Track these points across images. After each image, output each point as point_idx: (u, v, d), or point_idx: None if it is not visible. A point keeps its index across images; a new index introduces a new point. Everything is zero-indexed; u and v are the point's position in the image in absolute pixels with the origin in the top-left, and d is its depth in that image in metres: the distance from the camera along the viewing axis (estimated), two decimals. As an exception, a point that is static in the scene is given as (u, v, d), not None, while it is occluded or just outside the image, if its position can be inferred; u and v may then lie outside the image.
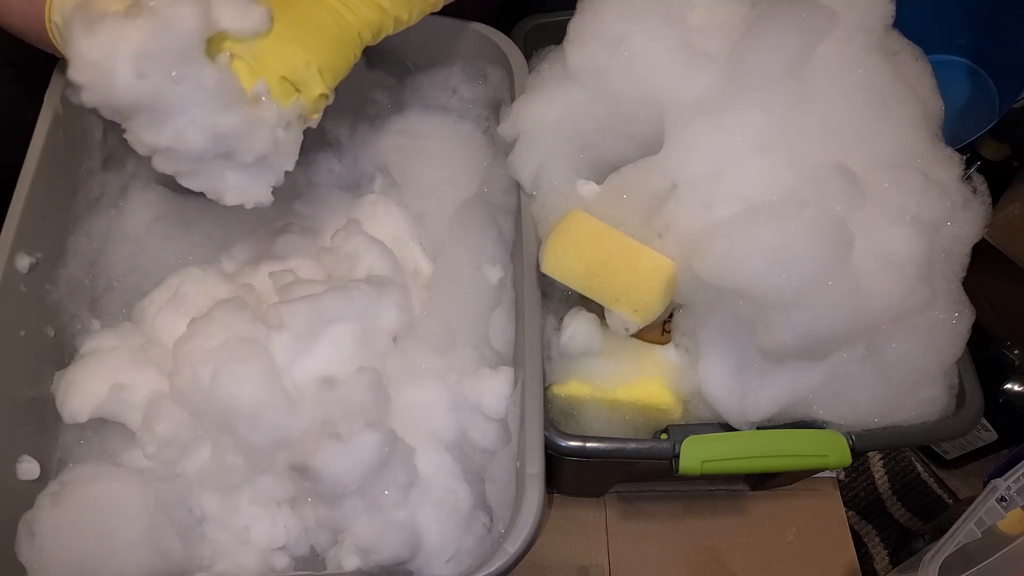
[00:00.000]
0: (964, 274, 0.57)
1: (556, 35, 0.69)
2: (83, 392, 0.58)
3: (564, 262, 0.57)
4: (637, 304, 0.57)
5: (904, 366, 0.55)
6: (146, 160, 0.72)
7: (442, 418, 0.60)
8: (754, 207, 0.51)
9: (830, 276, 0.48)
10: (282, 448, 0.56)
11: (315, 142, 0.78)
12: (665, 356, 0.60)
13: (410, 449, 0.57)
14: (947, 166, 0.57)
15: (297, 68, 0.52)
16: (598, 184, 0.65)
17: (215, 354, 0.55)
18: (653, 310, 0.57)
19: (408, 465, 0.56)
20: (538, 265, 0.59)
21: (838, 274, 0.48)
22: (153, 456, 0.56)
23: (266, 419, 0.54)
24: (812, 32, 0.52)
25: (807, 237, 0.48)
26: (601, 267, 0.56)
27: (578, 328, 0.60)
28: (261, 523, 0.57)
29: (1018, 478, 0.59)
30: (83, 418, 0.58)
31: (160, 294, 0.64)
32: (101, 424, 0.60)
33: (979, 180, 0.58)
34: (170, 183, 0.73)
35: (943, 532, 0.61)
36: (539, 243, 0.61)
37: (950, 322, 0.56)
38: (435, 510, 0.56)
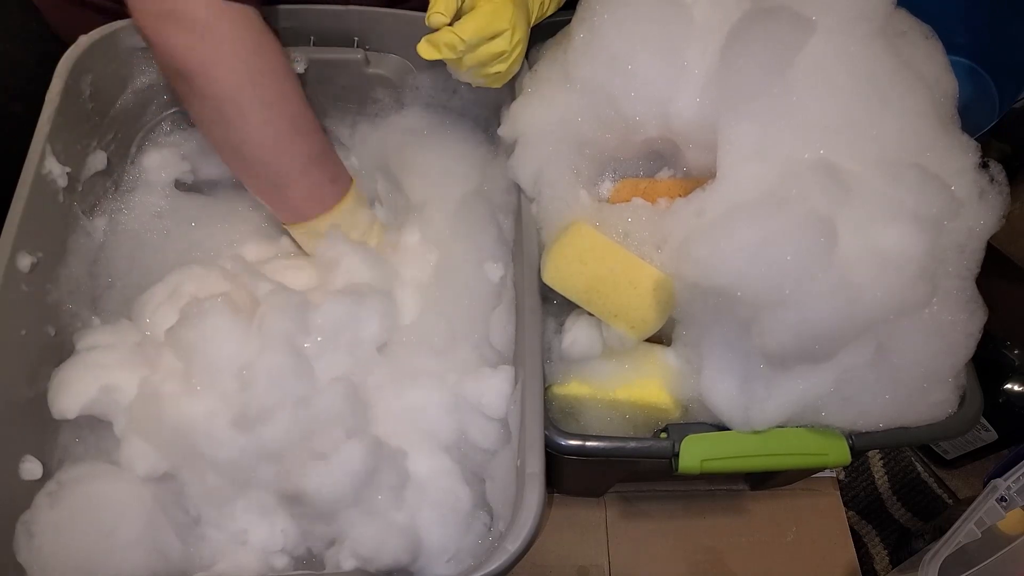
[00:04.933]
0: (978, 270, 0.56)
1: (553, 35, 0.69)
2: (73, 390, 0.58)
3: (566, 275, 0.57)
4: (635, 321, 0.57)
5: (914, 369, 0.55)
6: (148, 159, 0.73)
7: (440, 419, 0.60)
8: (735, 206, 0.52)
9: (814, 271, 0.48)
10: (262, 461, 0.55)
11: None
12: (666, 358, 0.60)
13: (399, 452, 0.57)
14: (961, 154, 0.56)
15: None
16: (599, 185, 0.66)
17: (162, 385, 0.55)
18: (650, 328, 0.57)
19: (398, 467, 0.56)
20: (539, 272, 0.59)
21: (822, 269, 0.48)
22: (137, 479, 0.56)
23: (222, 433, 0.54)
24: (786, 43, 0.53)
25: (786, 232, 0.48)
26: (602, 282, 0.57)
27: (579, 334, 0.60)
28: (258, 527, 0.57)
29: (1018, 478, 0.59)
30: (71, 415, 0.58)
31: (161, 290, 0.64)
32: (97, 422, 0.60)
33: (997, 169, 0.56)
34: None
35: (943, 532, 0.61)
36: (540, 244, 0.61)
37: (961, 322, 0.55)
38: (434, 511, 0.56)
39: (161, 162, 0.72)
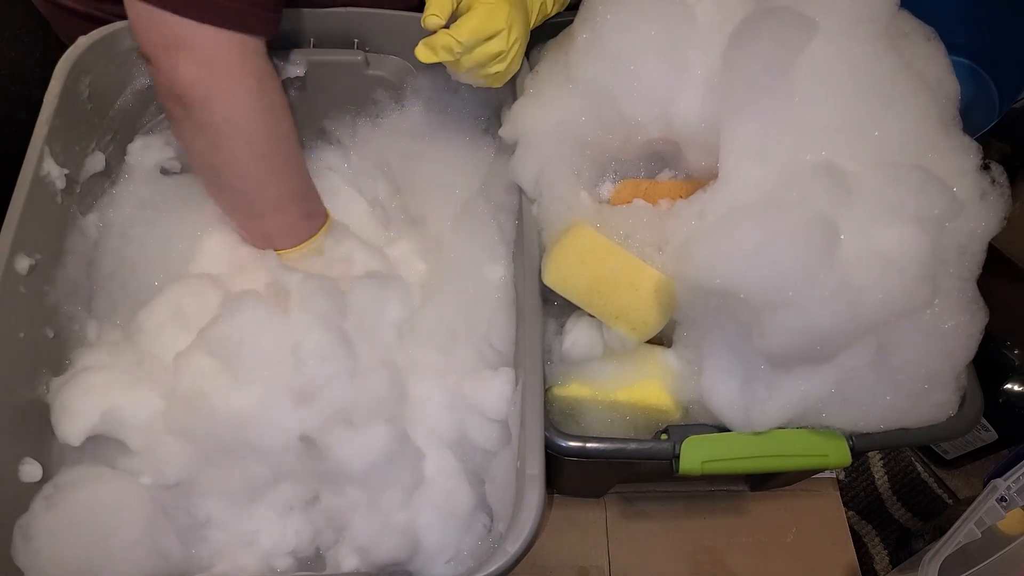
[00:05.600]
0: (980, 272, 0.56)
1: (555, 36, 0.69)
2: (76, 417, 0.58)
3: (567, 276, 0.57)
4: (636, 323, 0.57)
5: (915, 370, 0.55)
6: (148, 161, 0.72)
7: (442, 417, 0.60)
8: (736, 208, 0.52)
9: (815, 273, 0.48)
10: (306, 444, 0.56)
11: (316, 140, 0.78)
12: (666, 360, 0.60)
13: (419, 452, 0.58)
14: (962, 156, 0.56)
15: None
16: (600, 186, 0.66)
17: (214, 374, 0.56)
18: (651, 329, 0.57)
19: (415, 468, 0.57)
20: (540, 273, 0.59)
21: (823, 270, 0.48)
22: (151, 484, 0.57)
23: (278, 416, 0.55)
24: (789, 44, 0.53)
25: (788, 234, 0.48)
26: (603, 284, 0.57)
27: (580, 335, 0.60)
28: (271, 527, 0.57)
29: (1018, 478, 0.59)
30: (76, 442, 0.57)
31: (159, 308, 0.63)
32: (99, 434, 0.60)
33: (998, 171, 0.56)
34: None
35: (943, 532, 0.61)
36: (541, 245, 0.61)
37: (963, 323, 0.55)
38: (435, 513, 0.56)
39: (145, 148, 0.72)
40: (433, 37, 0.57)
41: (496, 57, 0.59)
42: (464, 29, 0.56)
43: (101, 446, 0.59)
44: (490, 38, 0.58)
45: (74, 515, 0.54)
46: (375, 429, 0.55)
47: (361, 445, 0.54)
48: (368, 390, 0.57)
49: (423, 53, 0.58)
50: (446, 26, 0.57)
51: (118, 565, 0.53)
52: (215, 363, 0.57)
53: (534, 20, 0.65)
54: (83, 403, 0.58)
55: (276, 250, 0.66)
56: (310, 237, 0.66)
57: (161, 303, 0.63)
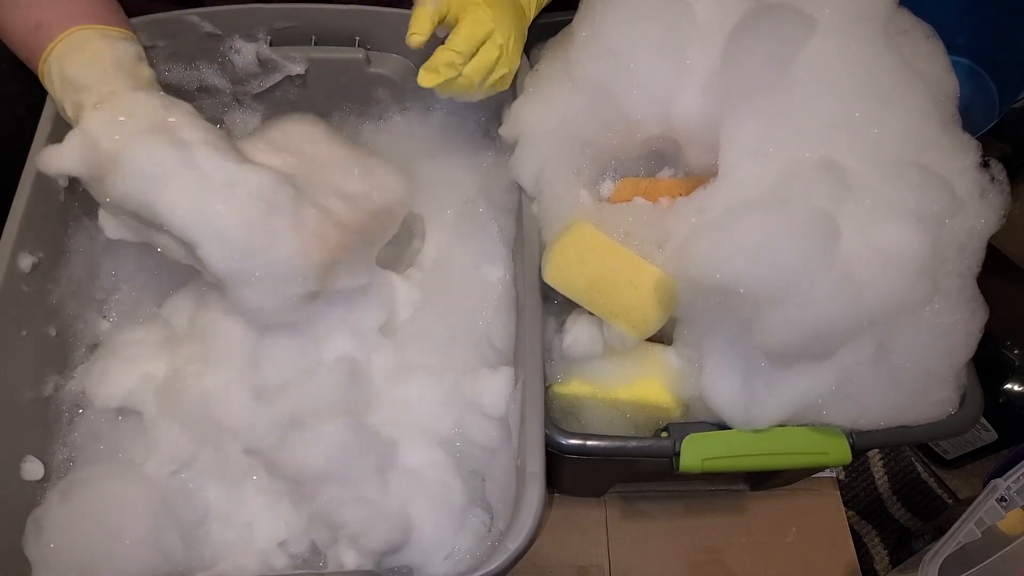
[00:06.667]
0: (979, 269, 0.56)
1: (555, 34, 0.69)
2: (115, 381, 0.60)
3: (567, 274, 0.58)
4: (635, 321, 0.57)
5: (915, 368, 0.55)
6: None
7: (437, 414, 0.60)
8: (736, 206, 0.52)
9: (816, 269, 0.48)
10: (270, 432, 0.57)
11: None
12: (667, 358, 0.60)
13: (387, 438, 0.58)
14: (962, 154, 0.56)
15: None
16: (600, 184, 0.66)
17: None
18: (650, 328, 0.57)
19: (382, 452, 0.57)
20: (540, 271, 0.59)
21: (824, 267, 0.48)
22: (155, 471, 0.58)
23: (238, 402, 0.57)
24: (788, 41, 0.53)
25: (788, 232, 0.48)
26: (603, 282, 0.57)
27: (580, 333, 0.60)
28: (263, 518, 0.58)
29: (1018, 478, 0.59)
30: (115, 403, 0.60)
31: (189, 295, 0.65)
32: (115, 421, 0.61)
33: (998, 168, 0.56)
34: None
35: (943, 532, 0.62)
36: (541, 244, 0.61)
37: (962, 321, 0.55)
38: (428, 503, 0.56)
39: None
40: (432, 58, 0.58)
41: (498, 60, 0.60)
42: (458, 39, 0.57)
43: (117, 436, 0.61)
44: (484, 40, 0.59)
45: (85, 511, 0.55)
46: (326, 426, 0.55)
47: (315, 444, 0.55)
48: (328, 386, 0.58)
49: (426, 78, 0.57)
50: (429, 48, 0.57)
51: (122, 562, 0.53)
52: (199, 347, 0.59)
53: (531, 14, 0.65)
54: (121, 370, 0.60)
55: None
56: (37, 54, 0.54)
57: (189, 292, 0.65)
